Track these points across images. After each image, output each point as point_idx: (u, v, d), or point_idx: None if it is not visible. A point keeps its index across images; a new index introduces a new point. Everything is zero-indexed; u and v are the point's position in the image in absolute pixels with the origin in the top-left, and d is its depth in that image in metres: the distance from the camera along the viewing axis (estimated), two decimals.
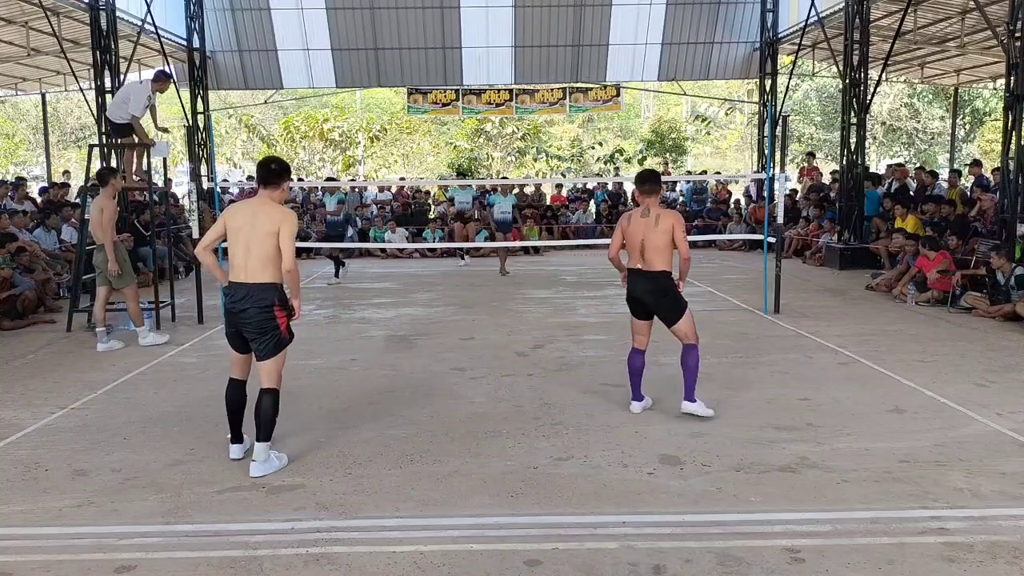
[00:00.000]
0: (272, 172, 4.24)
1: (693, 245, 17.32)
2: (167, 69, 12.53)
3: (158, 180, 9.11)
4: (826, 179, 17.38)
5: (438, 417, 5.16)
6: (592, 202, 18.81)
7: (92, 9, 13.02)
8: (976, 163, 13.65)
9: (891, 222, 12.43)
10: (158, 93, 8.65)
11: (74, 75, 13.95)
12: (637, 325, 5.17)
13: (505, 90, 19.33)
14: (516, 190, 16.76)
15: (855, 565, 3.19)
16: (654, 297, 5.00)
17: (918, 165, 18.95)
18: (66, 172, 20.75)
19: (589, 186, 19.86)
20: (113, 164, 11.97)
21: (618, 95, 19.52)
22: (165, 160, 8.92)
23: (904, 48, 16.55)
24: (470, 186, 17.41)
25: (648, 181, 4.99)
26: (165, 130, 10.14)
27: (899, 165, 15.64)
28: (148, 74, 17.72)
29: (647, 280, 4.99)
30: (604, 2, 17.93)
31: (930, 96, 28.12)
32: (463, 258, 14.84)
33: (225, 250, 4.43)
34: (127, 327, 7.80)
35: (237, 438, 4.43)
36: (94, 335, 7.50)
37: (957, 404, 5.30)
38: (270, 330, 4.16)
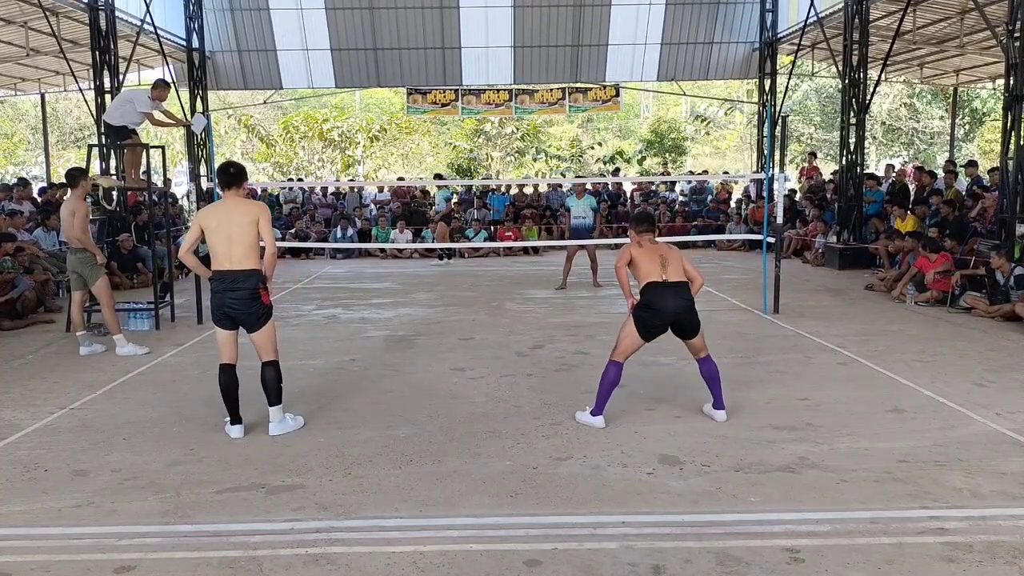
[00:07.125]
0: (233, 175, 4.82)
1: (693, 245, 17.07)
2: (165, 77, 12.41)
3: (157, 180, 9.09)
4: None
5: (438, 417, 5.16)
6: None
7: (91, 9, 13.02)
8: (972, 163, 13.64)
9: (888, 222, 12.43)
10: (158, 102, 8.49)
11: (73, 75, 13.96)
12: (638, 341, 4.86)
13: (504, 90, 19.32)
14: (589, 187, 15.18)
15: (854, 565, 3.20)
16: (687, 309, 4.83)
17: (918, 165, 18.96)
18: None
19: (588, 186, 19.78)
20: (113, 165, 12.01)
21: (617, 95, 19.51)
22: (164, 160, 8.89)
23: (903, 48, 16.55)
24: (446, 187, 17.38)
25: (646, 222, 5.12)
26: (188, 125, 10.09)
27: (920, 167, 15.64)
28: (147, 74, 17.80)
29: (678, 292, 4.79)
30: (603, 2, 17.93)
31: (929, 96, 28.14)
32: (441, 259, 14.82)
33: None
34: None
35: (236, 419, 4.79)
36: (100, 335, 7.49)
37: (956, 404, 5.30)
38: (256, 306, 4.72)
